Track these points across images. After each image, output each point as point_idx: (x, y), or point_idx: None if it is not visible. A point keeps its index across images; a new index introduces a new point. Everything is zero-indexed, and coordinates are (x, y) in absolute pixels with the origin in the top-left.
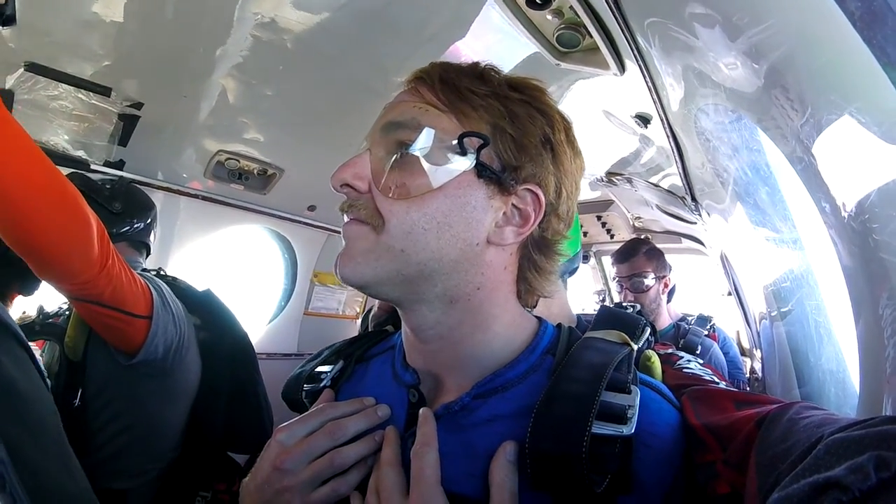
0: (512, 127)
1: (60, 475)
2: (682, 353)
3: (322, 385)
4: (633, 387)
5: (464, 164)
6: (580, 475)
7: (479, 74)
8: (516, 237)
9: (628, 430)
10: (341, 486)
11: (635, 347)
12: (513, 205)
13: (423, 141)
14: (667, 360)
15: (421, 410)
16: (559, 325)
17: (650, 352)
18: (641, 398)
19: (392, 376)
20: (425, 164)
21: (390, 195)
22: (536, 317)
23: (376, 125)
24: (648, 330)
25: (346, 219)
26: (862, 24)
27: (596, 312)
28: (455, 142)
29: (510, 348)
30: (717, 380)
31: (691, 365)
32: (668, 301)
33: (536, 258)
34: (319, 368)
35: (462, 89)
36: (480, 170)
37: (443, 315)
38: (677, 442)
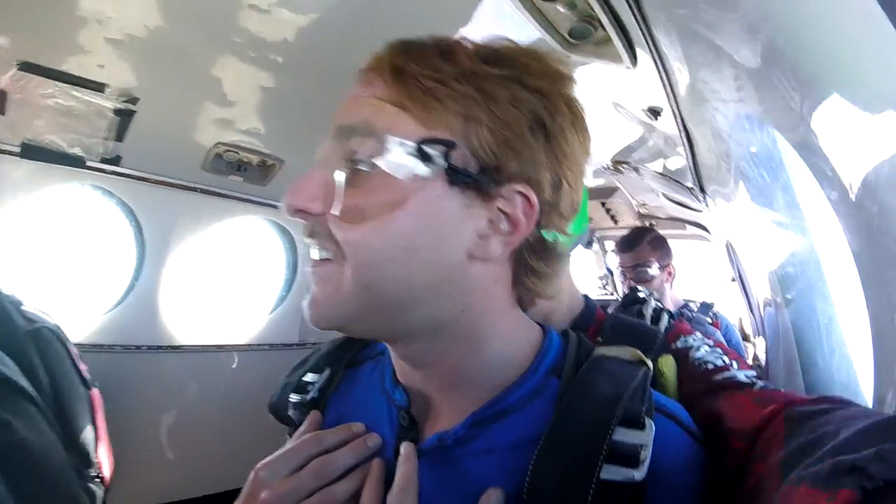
0: (488, 116)
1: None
2: (691, 341)
3: (310, 397)
4: (647, 420)
5: (428, 172)
6: None
7: (444, 51)
8: (504, 248)
9: (640, 475)
10: None
11: (651, 366)
12: (498, 209)
13: (376, 150)
14: (678, 358)
15: (402, 447)
16: (565, 334)
17: (663, 362)
18: (658, 432)
19: (381, 389)
20: (381, 180)
21: (347, 219)
22: (540, 324)
23: (330, 129)
24: (666, 318)
25: (313, 253)
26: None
27: (608, 304)
28: (413, 149)
29: (511, 366)
30: (728, 360)
31: (701, 352)
32: (671, 289)
33: (535, 264)
34: (306, 378)
35: (420, 77)
36: (452, 176)
37: (428, 345)
38: (692, 477)
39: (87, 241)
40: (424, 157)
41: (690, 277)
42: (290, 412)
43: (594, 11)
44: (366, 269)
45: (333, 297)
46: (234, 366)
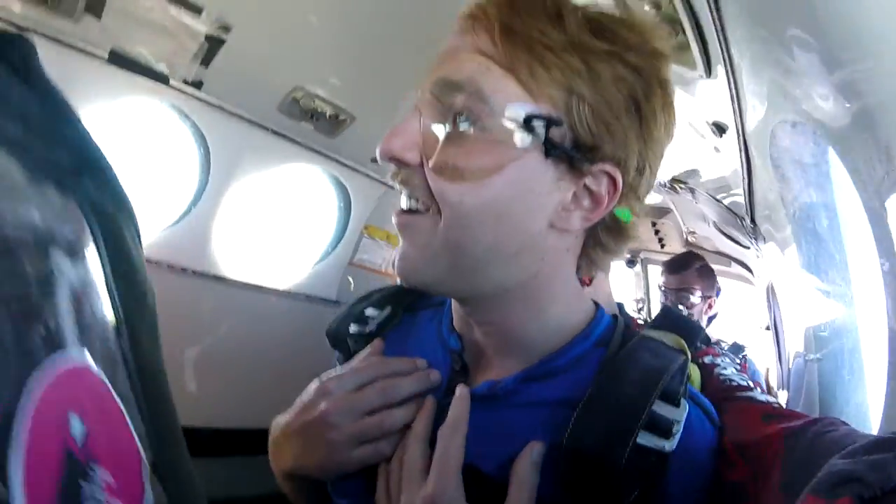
0: (592, 93)
1: (154, 351)
2: (719, 360)
3: (368, 330)
4: (683, 400)
5: (529, 143)
6: (613, 482)
7: (553, 14)
8: (584, 223)
9: (670, 446)
10: (385, 448)
11: (690, 356)
12: (585, 185)
13: (482, 112)
14: (705, 370)
15: (458, 388)
16: (615, 316)
17: (692, 367)
18: (687, 415)
19: (437, 336)
20: (483, 143)
21: (443, 176)
22: (594, 301)
23: (426, 81)
24: (701, 335)
25: (402, 201)
26: None
27: (641, 321)
28: (521, 119)
29: (563, 332)
30: (752, 385)
31: (728, 371)
32: (707, 325)
33: (605, 241)
34: (367, 312)
35: (531, 40)
36: (549, 149)
37: (495, 305)
38: (710, 463)
39: (156, 157)
40: (529, 128)
41: (725, 317)
42: (348, 340)
43: (677, 14)
44: (458, 229)
45: (424, 253)
46: (268, 308)
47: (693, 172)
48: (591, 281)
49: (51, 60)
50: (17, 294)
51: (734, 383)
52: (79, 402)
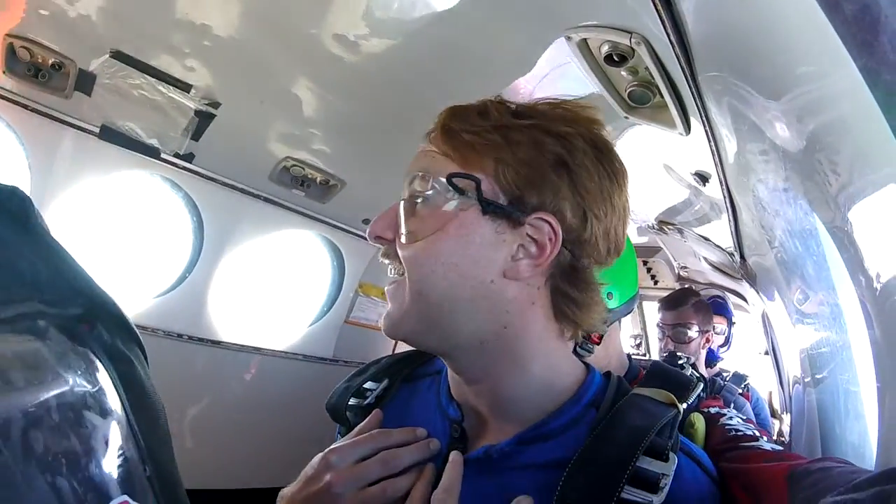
0: (512, 157)
1: (171, 464)
2: (726, 411)
3: (367, 402)
4: (671, 454)
5: (463, 203)
6: None
7: (482, 111)
8: (533, 269)
9: (658, 500)
10: None
11: (682, 409)
12: (527, 234)
13: (427, 187)
14: (710, 419)
15: (451, 454)
16: (608, 374)
17: (696, 416)
18: (677, 467)
19: (437, 405)
20: (429, 210)
21: (405, 241)
22: (585, 363)
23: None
24: (700, 386)
25: (390, 274)
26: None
27: (649, 364)
28: (447, 183)
29: (552, 393)
30: (758, 434)
31: (734, 421)
32: (715, 360)
33: (568, 290)
34: (366, 385)
35: (461, 132)
36: (484, 206)
37: (476, 358)
38: None
39: (148, 227)
40: (459, 190)
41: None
42: (347, 413)
43: (654, 79)
44: (417, 280)
45: (400, 311)
46: (266, 370)
47: (674, 210)
48: (600, 339)
49: (43, 136)
50: (68, 461)
51: (740, 433)
52: None
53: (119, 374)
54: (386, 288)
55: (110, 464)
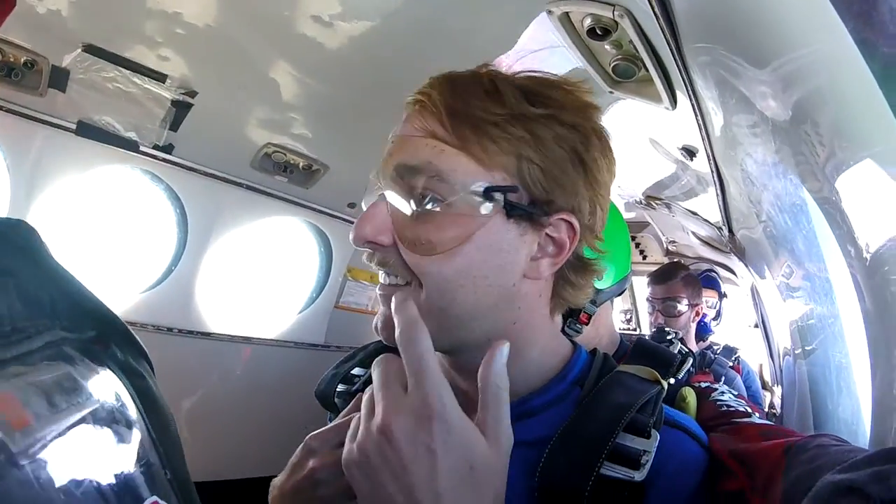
0: (538, 155)
1: (183, 467)
2: (717, 385)
3: (355, 388)
4: (653, 431)
5: (491, 209)
6: None
7: (490, 91)
8: (552, 268)
9: (640, 476)
10: None
11: (666, 385)
12: (546, 234)
13: (443, 190)
14: (702, 394)
15: (395, 296)
16: (594, 352)
17: (687, 390)
18: (662, 440)
19: None
20: (449, 217)
21: (419, 251)
22: (572, 341)
23: (387, 164)
24: (690, 361)
25: (381, 278)
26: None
27: (633, 341)
28: (480, 191)
29: (542, 372)
30: (750, 411)
31: (725, 396)
32: (707, 333)
33: (571, 277)
34: (354, 371)
35: (476, 119)
36: (509, 210)
37: (479, 354)
38: (699, 482)
39: (131, 222)
40: (489, 198)
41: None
42: (336, 400)
43: (638, 52)
44: (439, 295)
45: None
46: (258, 359)
47: (661, 185)
48: (588, 319)
49: (20, 136)
50: (107, 468)
51: (732, 409)
52: None
53: (135, 388)
54: (379, 292)
55: (139, 469)
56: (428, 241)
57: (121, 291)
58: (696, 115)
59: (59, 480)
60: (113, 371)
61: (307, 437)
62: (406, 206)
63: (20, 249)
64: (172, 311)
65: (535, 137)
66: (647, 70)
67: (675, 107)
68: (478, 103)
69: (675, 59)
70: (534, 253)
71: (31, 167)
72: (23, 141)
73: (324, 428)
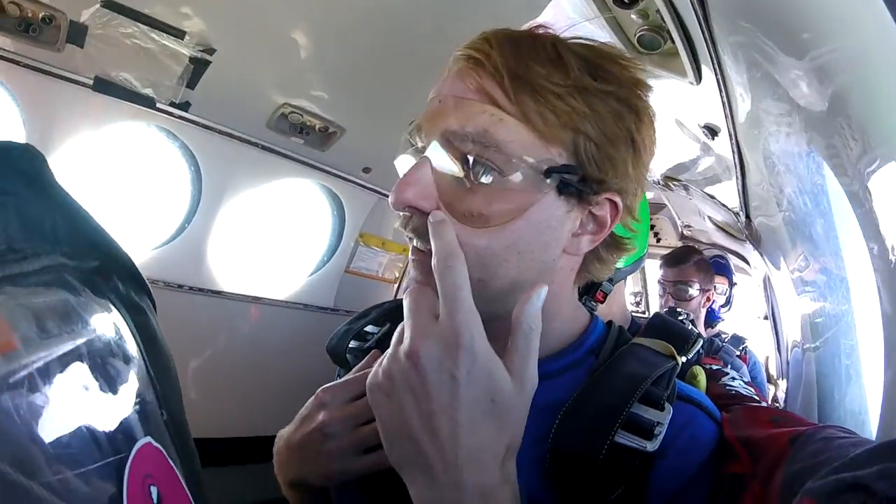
0: (596, 132)
1: (180, 409)
2: (728, 370)
3: (367, 345)
4: (667, 405)
5: (546, 186)
6: (594, 479)
7: (555, 59)
8: (591, 245)
9: (652, 446)
10: (386, 459)
11: (680, 362)
12: (590, 211)
13: (499, 161)
14: (712, 376)
15: (431, 215)
16: (609, 324)
17: (698, 368)
18: (674, 414)
19: None
20: (503, 190)
21: (467, 223)
22: (590, 312)
23: (433, 124)
24: (700, 343)
25: (414, 244)
26: None
27: (649, 318)
28: (541, 169)
29: (561, 339)
30: (757, 399)
31: (735, 383)
32: (715, 320)
33: (603, 255)
34: (367, 329)
35: (539, 87)
36: (562, 188)
37: (506, 324)
38: (711, 458)
39: (145, 178)
40: (547, 174)
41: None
42: (347, 356)
43: (665, 23)
44: (482, 268)
45: None
46: (266, 319)
47: (682, 167)
48: (604, 298)
49: (37, 92)
50: (100, 404)
51: (741, 395)
52: (153, 475)
53: (135, 324)
54: (412, 258)
55: (134, 408)
56: (479, 213)
57: (133, 247)
58: (720, 92)
59: (44, 414)
60: (113, 304)
61: (319, 390)
62: (459, 176)
63: (24, 172)
64: (184, 268)
65: (594, 112)
66: (672, 42)
67: (699, 82)
68: (541, 70)
69: (702, 32)
70: (575, 229)
71: (48, 122)
72: (39, 96)
73: (337, 381)
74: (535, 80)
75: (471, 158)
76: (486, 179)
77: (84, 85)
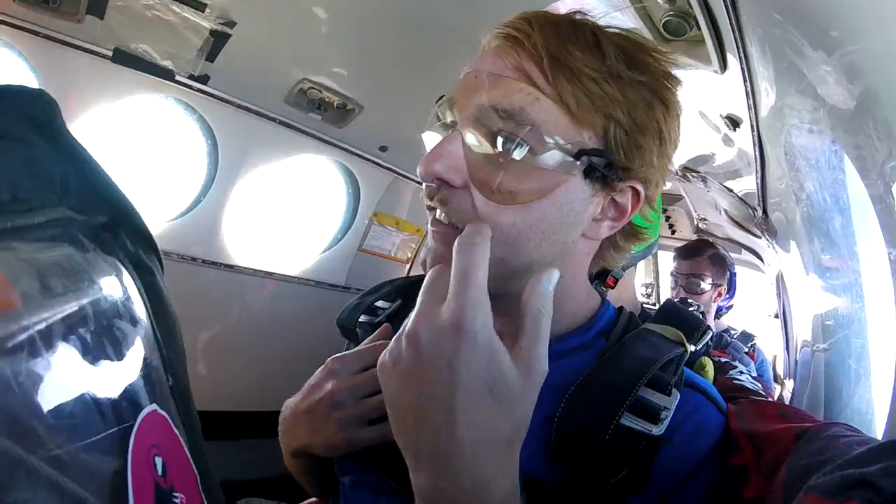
0: (627, 119)
1: (184, 375)
2: (736, 364)
3: (378, 320)
4: (674, 390)
5: (575, 168)
6: (598, 460)
7: (593, 45)
8: (610, 231)
9: (657, 430)
10: (391, 431)
11: (689, 349)
12: (612, 198)
13: (532, 140)
14: (720, 368)
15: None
16: (620, 308)
17: (706, 359)
18: (681, 401)
19: None
20: (534, 169)
21: (494, 198)
22: (601, 295)
23: (467, 99)
24: (710, 334)
25: (437, 215)
26: None
27: (659, 306)
28: (572, 151)
29: (572, 321)
30: (763, 394)
31: (742, 377)
32: (719, 310)
33: (621, 242)
34: (378, 304)
35: (577, 71)
36: (589, 171)
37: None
38: (715, 447)
39: (162, 151)
40: (577, 156)
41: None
42: (357, 330)
43: (692, 9)
44: (504, 246)
45: None
46: (278, 295)
47: (701, 159)
48: (615, 283)
49: (55, 63)
50: (105, 368)
51: (748, 389)
52: (157, 443)
53: (143, 284)
54: (432, 229)
55: (140, 372)
56: (508, 190)
57: (148, 218)
58: (745, 83)
59: (44, 378)
60: (121, 262)
61: (329, 359)
62: (490, 152)
63: (35, 118)
64: (198, 241)
65: (626, 100)
66: (699, 29)
67: (724, 70)
68: (579, 54)
69: (730, 20)
70: (596, 214)
71: (66, 94)
72: (58, 67)
73: (346, 353)
74: (573, 64)
75: (503, 135)
76: (517, 156)
77: (103, 56)
